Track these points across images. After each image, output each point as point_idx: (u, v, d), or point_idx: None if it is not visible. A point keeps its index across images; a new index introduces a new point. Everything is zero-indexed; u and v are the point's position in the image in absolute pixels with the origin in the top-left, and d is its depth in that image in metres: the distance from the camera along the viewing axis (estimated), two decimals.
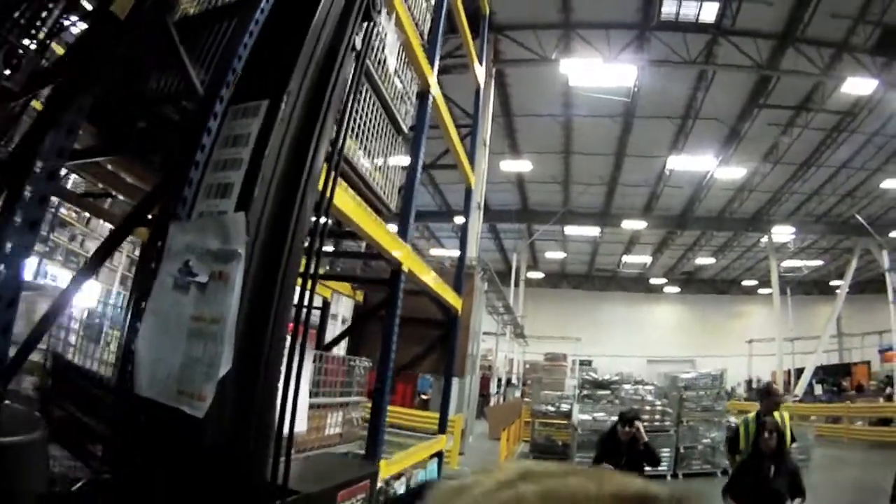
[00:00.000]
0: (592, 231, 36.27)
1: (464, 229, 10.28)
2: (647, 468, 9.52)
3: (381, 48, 4.32)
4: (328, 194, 2.65)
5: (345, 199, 3.61)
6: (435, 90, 6.48)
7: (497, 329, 34.18)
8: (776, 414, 8.44)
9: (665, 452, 16.78)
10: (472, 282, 10.25)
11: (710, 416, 18.11)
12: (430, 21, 6.51)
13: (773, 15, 18.88)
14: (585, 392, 19.74)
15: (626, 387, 18.79)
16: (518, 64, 21.07)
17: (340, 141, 2.74)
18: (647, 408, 17.32)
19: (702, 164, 26.83)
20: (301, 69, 2.44)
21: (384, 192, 5.25)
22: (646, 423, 16.46)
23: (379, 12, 3.04)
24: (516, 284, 41.06)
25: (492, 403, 30.92)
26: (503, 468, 0.93)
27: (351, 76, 2.80)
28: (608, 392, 19.28)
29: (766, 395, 8.92)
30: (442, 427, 8.46)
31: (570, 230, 35.89)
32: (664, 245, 40.81)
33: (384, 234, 5.10)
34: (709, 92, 21.78)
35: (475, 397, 22.49)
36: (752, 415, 8.72)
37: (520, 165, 27.34)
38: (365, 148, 4.59)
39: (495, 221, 36.39)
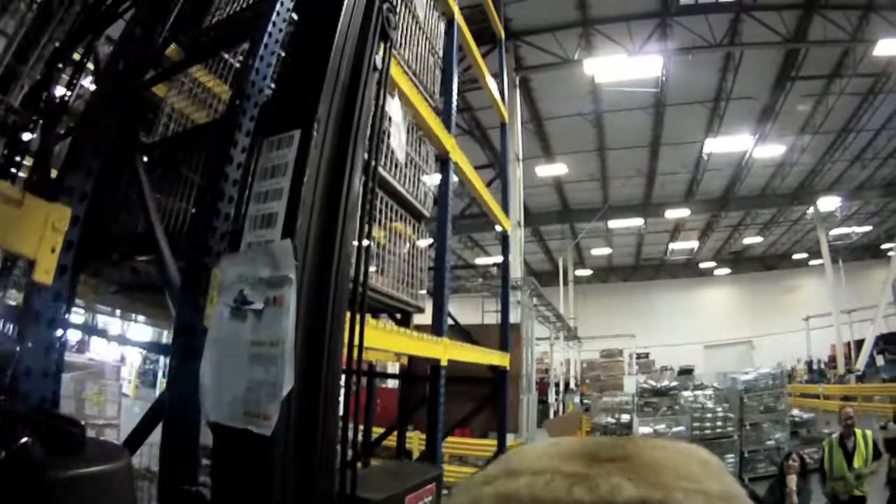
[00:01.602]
0: (636, 222, 35.73)
1: (504, 290, 9.95)
2: None
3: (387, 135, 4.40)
4: (366, 218, 2.78)
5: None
6: (455, 155, 6.47)
7: (550, 334, 33.93)
8: (858, 432, 8.96)
9: (730, 458, 16.63)
10: (518, 335, 10.08)
11: (773, 416, 17.92)
12: (441, 73, 6.53)
13: None
14: (645, 400, 19.48)
15: (686, 394, 18.53)
16: (541, 69, 20.91)
17: (373, 161, 2.86)
18: (709, 415, 17.09)
19: (739, 145, 26.48)
20: (328, 94, 2.51)
21: (412, 287, 5.37)
22: (707, 430, 16.35)
23: (395, 29, 3.14)
24: (565, 284, 40.84)
25: (551, 413, 30.62)
26: (500, 459, 0.88)
27: (375, 96, 2.89)
28: (667, 398, 19.06)
29: (841, 419, 9.37)
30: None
31: (614, 224, 35.41)
32: (709, 228, 40.36)
33: (417, 343, 5.20)
34: (738, 72, 21.45)
35: (534, 416, 22.37)
36: (835, 437, 9.16)
37: (555, 169, 27.21)
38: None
39: (537, 225, 36.22)
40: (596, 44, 20.13)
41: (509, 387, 8.79)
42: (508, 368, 8.43)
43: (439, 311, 5.90)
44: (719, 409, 17.35)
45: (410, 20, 5.48)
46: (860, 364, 35.69)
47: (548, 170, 27.14)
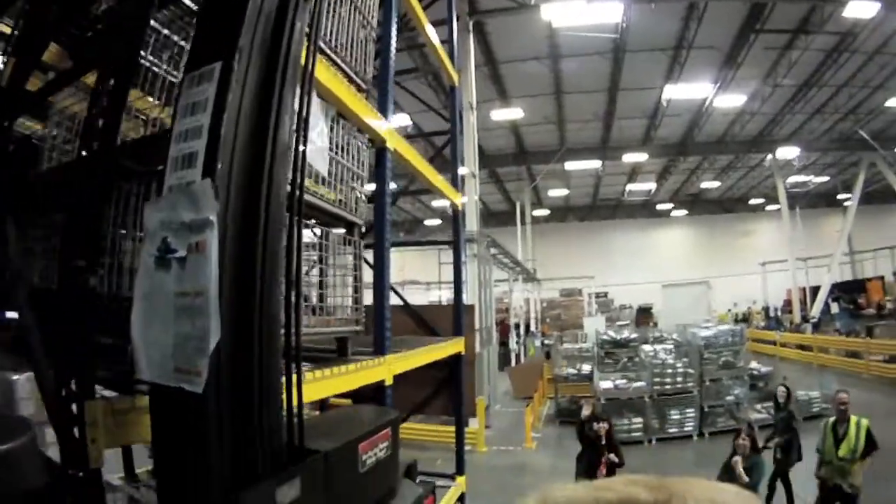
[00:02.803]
0: (593, 165, 35.62)
1: (457, 271, 9.42)
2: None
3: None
4: (300, 155, 2.63)
5: None
6: (393, 143, 5.90)
7: (509, 277, 33.85)
8: (853, 419, 8.92)
9: (689, 413, 17.18)
10: (471, 316, 9.75)
11: (733, 372, 18.14)
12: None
13: None
14: (606, 350, 19.63)
15: (646, 347, 18.83)
16: (496, 14, 20.16)
17: (305, 102, 2.65)
18: (669, 370, 17.25)
19: (699, 92, 26.51)
20: (251, 22, 2.33)
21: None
22: (668, 385, 16.44)
23: None
24: (523, 224, 40.81)
25: (513, 358, 30.63)
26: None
27: (308, 26, 2.70)
28: (627, 350, 19.28)
29: (834, 404, 9.52)
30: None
31: (571, 166, 35.28)
32: (667, 171, 40.85)
33: (356, 376, 4.79)
34: (701, 22, 20.99)
35: (495, 370, 22.23)
36: (832, 420, 9.21)
37: (511, 113, 26.74)
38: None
39: (494, 167, 35.92)
40: None
41: (465, 370, 8.69)
42: (464, 353, 8.25)
43: (381, 326, 5.49)
44: (679, 364, 17.70)
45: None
46: (815, 311, 36.51)
47: (503, 114, 26.74)
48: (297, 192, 2.57)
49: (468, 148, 19.25)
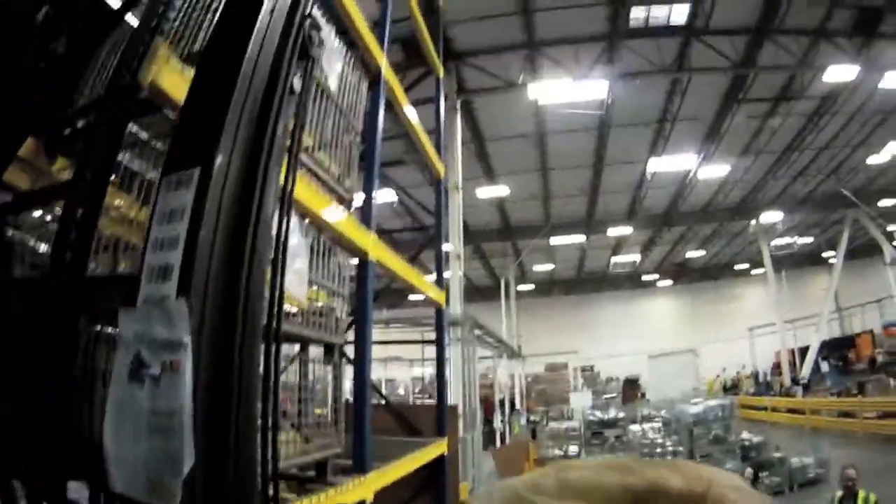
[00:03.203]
0: (578, 239, 35.64)
1: (440, 371, 9.26)
2: None
3: None
4: (277, 282, 2.50)
5: None
6: (376, 254, 5.84)
7: (493, 355, 33.50)
8: (861, 494, 8.82)
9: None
10: (454, 419, 9.48)
11: (724, 447, 18.22)
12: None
13: (747, 9, 18.51)
14: (593, 430, 19.42)
15: (633, 427, 18.54)
16: (484, 93, 20.26)
17: (288, 194, 2.58)
18: (658, 449, 17.07)
19: (683, 164, 26.71)
20: (233, 124, 2.24)
21: None
22: None
23: (319, 46, 2.79)
24: (507, 299, 40.66)
25: (497, 437, 30.08)
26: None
27: (293, 122, 2.63)
28: (615, 429, 19.10)
29: (841, 480, 9.30)
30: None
31: (556, 241, 35.28)
32: (652, 242, 41.15)
33: None
34: (685, 95, 21.28)
35: (479, 451, 21.74)
36: (838, 494, 9.20)
37: (497, 191, 26.77)
38: None
39: (478, 242, 35.89)
40: (541, 65, 19.93)
41: (449, 471, 8.36)
42: (446, 453, 8.02)
43: (361, 445, 5.25)
44: (668, 442, 17.40)
45: (321, 99, 4.65)
46: (805, 372, 36.50)
47: (489, 191, 26.67)
48: (275, 324, 2.43)
49: (453, 228, 19.14)
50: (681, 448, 17.25)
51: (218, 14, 2.88)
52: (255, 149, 2.31)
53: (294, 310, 4.27)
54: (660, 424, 18.74)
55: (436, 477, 7.82)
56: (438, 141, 9.67)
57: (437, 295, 8.72)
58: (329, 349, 5.02)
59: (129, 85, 3.01)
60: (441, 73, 10.40)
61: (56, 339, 2.75)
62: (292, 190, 2.60)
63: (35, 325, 2.85)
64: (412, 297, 9.46)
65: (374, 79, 5.98)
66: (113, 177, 3.32)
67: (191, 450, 1.97)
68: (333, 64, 4.81)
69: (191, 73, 2.80)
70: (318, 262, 4.59)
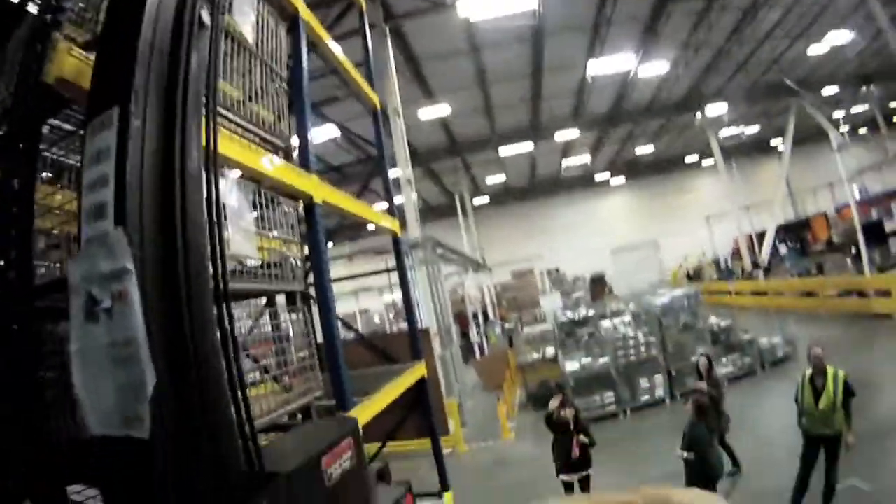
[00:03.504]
0: (527, 147, 35.40)
1: (406, 297, 9.29)
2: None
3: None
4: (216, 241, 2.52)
5: None
6: (321, 195, 5.70)
7: (459, 271, 33.76)
8: (829, 371, 8.94)
9: (658, 379, 17.35)
10: (427, 341, 9.54)
11: (693, 333, 18.62)
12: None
13: None
14: (566, 331, 19.73)
15: (605, 323, 19.00)
16: (412, 16, 19.80)
17: (212, 130, 2.63)
18: (631, 342, 17.42)
19: (623, 65, 26.34)
20: (144, 61, 2.31)
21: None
22: (632, 356, 16.51)
23: None
24: (465, 215, 40.77)
25: (476, 350, 30.50)
26: None
27: (207, 55, 2.66)
28: (587, 327, 19.48)
29: (810, 359, 9.28)
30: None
31: (505, 151, 34.99)
32: (600, 143, 41.34)
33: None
34: None
35: (460, 365, 22.08)
36: (808, 372, 9.19)
37: (438, 110, 26.39)
38: None
39: (428, 163, 35.66)
40: None
41: (432, 392, 8.64)
42: (426, 376, 8.16)
43: (339, 384, 5.21)
44: (640, 334, 17.91)
45: (237, 50, 4.53)
46: (764, 255, 37.07)
47: (431, 111, 26.30)
48: (222, 285, 2.51)
49: (399, 152, 19.09)
50: (652, 339, 17.57)
51: None
52: (170, 82, 2.38)
53: (248, 264, 4.23)
54: (629, 318, 19.05)
55: (420, 399, 8.01)
56: (369, 72, 9.42)
57: (390, 223, 8.71)
58: (291, 297, 5.15)
59: (36, 85, 3.00)
60: (363, 6, 10.12)
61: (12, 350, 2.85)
62: (216, 147, 2.62)
63: None
64: (371, 227, 9.38)
65: (293, 21, 5.77)
66: (45, 175, 3.48)
67: (151, 373, 2.08)
68: (246, 12, 4.64)
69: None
70: (264, 214, 4.58)
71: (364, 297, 38.13)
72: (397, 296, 30.01)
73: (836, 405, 8.70)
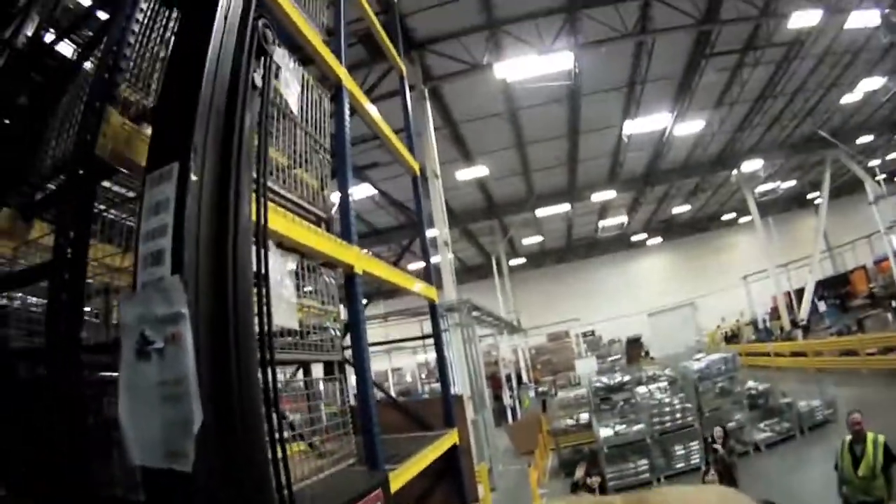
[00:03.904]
0: (563, 208, 35.57)
1: (441, 363, 9.19)
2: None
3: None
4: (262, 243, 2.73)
5: None
6: (361, 266, 5.73)
7: (494, 333, 33.58)
8: (869, 437, 8.75)
9: (693, 446, 16.99)
10: (461, 407, 9.47)
11: (731, 398, 18.21)
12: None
13: None
14: (601, 397, 19.45)
15: (640, 389, 18.73)
16: (450, 78, 20.15)
17: (263, 159, 2.81)
18: (667, 409, 17.18)
19: (658, 123, 26.81)
20: (203, 120, 2.44)
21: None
22: (668, 423, 16.26)
23: (274, 44, 3.00)
24: (500, 275, 40.64)
25: (508, 413, 30.17)
26: None
27: (259, 113, 2.84)
28: (622, 393, 19.21)
29: (849, 425, 9.15)
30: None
31: (541, 212, 35.18)
32: (637, 203, 41.22)
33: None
34: (651, 56, 21.24)
35: (492, 432, 21.81)
36: (847, 439, 9.04)
37: (476, 171, 26.69)
38: None
39: (465, 223, 35.79)
40: (505, 44, 19.88)
41: (464, 460, 8.32)
42: (458, 443, 7.96)
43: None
44: (676, 400, 17.64)
45: (282, 121, 4.69)
46: (803, 313, 36.46)
47: (469, 172, 26.57)
48: (269, 355, 2.66)
49: (437, 214, 19.16)
50: (689, 405, 17.29)
51: (176, 24, 3.19)
52: (226, 138, 2.53)
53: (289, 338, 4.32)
54: (665, 384, 18.77)
55: (451, 466, 7.85)
56: (409, 138, 9.56)
57: (427, 291, 8.66)
58: (329, 366, 5.27)
59: (89, 159, 3.11)
60: (404, 71, 10.27)
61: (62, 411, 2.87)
62: (265, 223, 2.79)
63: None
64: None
65: (336, 90, 5.93)
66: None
67: (199, 411, 2.18)
68: (291, 86, 4.70)
69: (147, 130, 3.08)
70: (306, 285, 4.66)
71: (396, 355, 38.03)
72: (430, 356, 29.99)
73: (875, 472, 8.52)
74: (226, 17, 2.69)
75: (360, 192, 22.03)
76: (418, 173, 9.38)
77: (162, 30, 3.66)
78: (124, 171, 3.33)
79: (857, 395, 19.84)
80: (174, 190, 2.36)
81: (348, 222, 5.68)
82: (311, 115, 5.18)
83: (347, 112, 5.99)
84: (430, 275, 9.10)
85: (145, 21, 3.62)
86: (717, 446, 12.41)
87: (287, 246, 4.30)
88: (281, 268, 4.11)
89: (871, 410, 9.54)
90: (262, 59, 2.91)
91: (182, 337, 2.22)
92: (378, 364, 31.44)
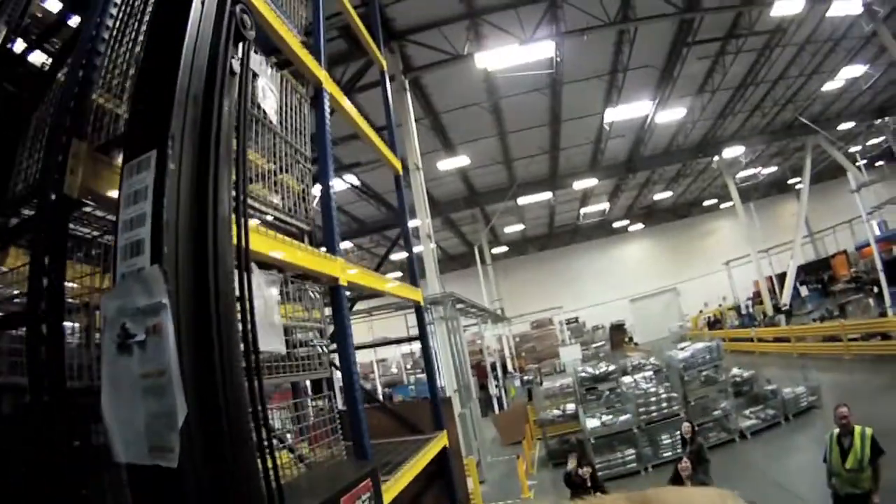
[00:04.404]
0: (545, 196, 35.59)
1: (429, 365, 9.22)
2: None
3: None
4: (242, 232, 2.67)
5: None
6: (346, 277, 5.65)
7: (479, 322, 33.59)
8: (856, 430, 8.80)
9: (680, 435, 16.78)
10: (449, 408, 9.38)
11: (716, 387, 18.29)
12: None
13: None
14: (586, 387, 19.51)
15: (626, 379, 18.96)
16: (431, 68, 20.02)
17: (241, 164, 2.75)
18: (653, 399, 17.25)
19: (640, 111, 26.80)
20: (180, 107, 2.41)
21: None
22: (654, 412, 16.28)
23: (251, 30, 2.93)
24: (483, 263, 40.68)
25: (494, 404, 30.18)
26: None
27: (238, 101, 2.79)
28: (608, 382, 19.37)
29: (836, 419, 9.12)
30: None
31: (523, 200, 35.30)
32: (618, 190, 41.50)
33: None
34: (634, 44, 21.28)
35: (479, 424, 21.79)
36: (835, 432, 9.06)
37: (457, 161, 26.66)
38: None
39: (447, 213, 35.81)
40: (485, 34, 19.81)
41: (454, 462, 8.35)
42: (448, 445, 7.95)
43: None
44: (661, 390, 17.75)
45: (261, 132, 4.61)
46: (785, 298, 36.64)
47: (450, 163, 26.61)
48: (254, 359, 2.59)
49: (419, 206, 19.07)
50: (674, 394, 17.38)
51: (151, 9, 3.06)
52: (204, 126, 2.49)
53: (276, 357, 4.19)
54: (651, 373, 18.81)
55: (442, 468, 7.82)
56: (391, 136, 9.44)
57: (412, 293, 8.66)
58: (318, 383, 5.26)
59: (56, 198, 3.00)
60: (385, 67, 10.16)
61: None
62: (247, 245, 2.72)
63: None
64: (391, 275, 9.30)
65: (316, 92, 5.85)
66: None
67: (182, 403, 2.14)
68: (269, 95, 4.55)
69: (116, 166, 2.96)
70: (290, 303, 4.59)
71: (381, 349, 37.94)
72: (415, 346, 29.95)
73: (863, 464, 8.59)
74: (203, 2, 2.65)
75: (341, 183, 21.86)
76: (401, 172, 9.29)
77: (134, 33, 3.51)
78: (93, 205, 3.28)
79: (841, 381, 19.97)
80: (153, 178, 2.34)
81: (332, 231, 5.57)
82: (290, 121, 5.05)
83: (328, 114, 5.87)
84: (416, 276, 9.16)
85: (117, 24, 3.50)
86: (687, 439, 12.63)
87: (269, 264, 4.18)
88: (265, 291, 3.98)
89: (855, 397, 9.56)
90: (240, 44, 2.86)
91: (163, 327, 2.18)
92: (363, 356, 31.40)
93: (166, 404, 2.14)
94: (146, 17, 3.47)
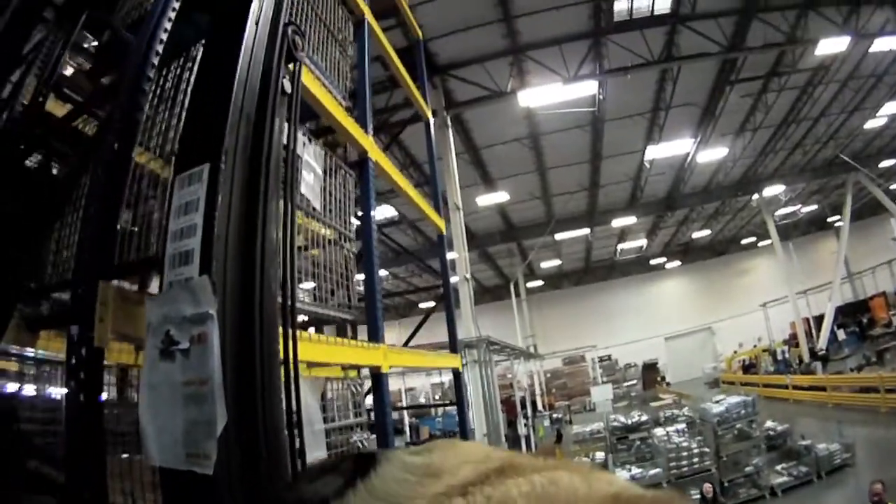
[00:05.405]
0: (583, 232, 35.48)
1: (462, 426, 9.06)
2: None
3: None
4: (288, 248, 2.72)
5: None
6: (389, 361, 5.63)
7: (510, 359, 33.37)
8: None
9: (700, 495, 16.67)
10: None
11: (750, 442, 17.89)
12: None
13: None
14: (617, 436, 19.27)
15: (658, 431, 18.47)
16: (472, 104, 19.99)
17: (290, 180, 2.84)
18: (684, 453, 17.12)
19: (681, 149, 26.56)
20: (234, 124, 2.45)
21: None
22: (685, 468, 16.10)
23: (303, 51, 3.01)
24: (517, 297, 40.45)
25: (522, 444, 29.79)
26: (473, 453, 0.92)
27: (287, 119, 2.84)
28: (639, 433, 19.02)
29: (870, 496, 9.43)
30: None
31: (561, 236, 35.13)
32: (656, 227, 41.22)
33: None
34: (677, 82, 21.17)
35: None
36: None
37: (497, 197, 26.58)
38: None
39: (484, 246, 35.67)
40: (528, 70, 19.74)
41: None
42: None
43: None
44: (694, 444, 17.33)
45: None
46: (822, 342, 35.70)
47: (489, 198, 26.56)
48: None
49: (457, 243, 18.85)
50: (706, 449, 17.14)
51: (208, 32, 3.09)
52: (256, 143, 2.55)
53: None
54: (684, 426, 18.49)
55: None
56: (436, 197, 9.48)
57: (451, 362, 8.61)
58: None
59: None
60: (430, 116, 10.03)
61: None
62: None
63: None
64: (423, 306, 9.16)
65: (361, 162, 5.70)
66: None
67: (223, 412, 2.16)
68: (314, 180, 4.44)
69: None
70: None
71: (411, 376, 37.70)
72: (445, 377, 29.72)
73: None
74: (257, 23, 2.73)
75: (380, 213, 21.88)
76: (444, 231, 9.23)
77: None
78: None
79: (877, 437, 19.41)
80: (205, 191, 2.37)
81: (376, 320, 5.46)
82: (335, 203, 4.83)
83: (373, 187, 5.76)
84: (456, 346, 8.96)
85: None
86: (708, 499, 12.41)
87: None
88: (308, 398, 3.85)
89: (891, 457, 9.21)
90: (292, 64, 2.94)
91: (209, 337, 2.21)
92: (391, 384, 31.25)
93: (207, 412, 2.17)
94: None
